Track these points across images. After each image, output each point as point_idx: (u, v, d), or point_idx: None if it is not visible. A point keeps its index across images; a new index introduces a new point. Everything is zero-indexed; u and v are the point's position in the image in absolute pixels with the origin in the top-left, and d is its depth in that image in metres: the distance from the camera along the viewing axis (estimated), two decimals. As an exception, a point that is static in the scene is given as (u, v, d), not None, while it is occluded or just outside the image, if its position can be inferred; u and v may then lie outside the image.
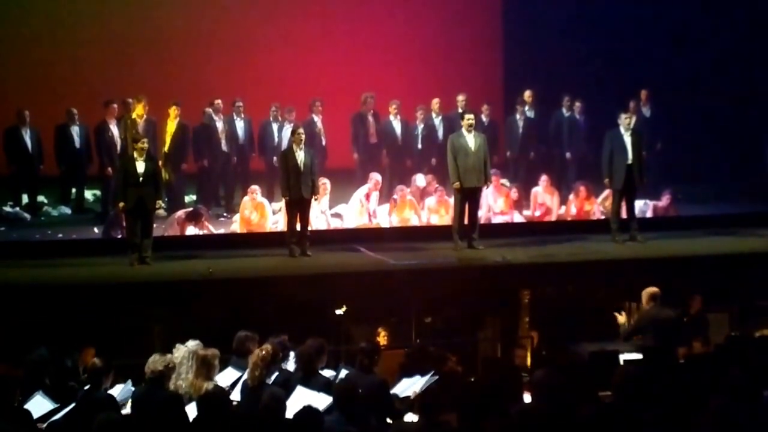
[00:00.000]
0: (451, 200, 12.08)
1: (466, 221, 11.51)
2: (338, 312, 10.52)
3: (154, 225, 11.06)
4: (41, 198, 13.91)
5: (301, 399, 6.65)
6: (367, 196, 13.04)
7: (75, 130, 13.54)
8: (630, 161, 11.69)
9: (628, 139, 11.74)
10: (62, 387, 7.43)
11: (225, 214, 13.61)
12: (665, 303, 9.25)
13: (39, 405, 7.06)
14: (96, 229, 12.62)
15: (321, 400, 6.60)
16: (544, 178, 13.61)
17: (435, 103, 14.43)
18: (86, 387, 7.43)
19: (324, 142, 14.01)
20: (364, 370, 7.04)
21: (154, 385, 6.70)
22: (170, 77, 15.80)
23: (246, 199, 12.61)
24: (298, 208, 11.12)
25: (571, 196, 13.57)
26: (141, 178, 10.60)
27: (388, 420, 6.74)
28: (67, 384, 7.55)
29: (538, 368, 7.26)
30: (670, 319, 9.05)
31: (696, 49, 16.77)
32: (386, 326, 10.91)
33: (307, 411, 5.85)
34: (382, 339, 10.84)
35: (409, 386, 7.43)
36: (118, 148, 13.28)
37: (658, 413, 5.95)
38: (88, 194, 14.25)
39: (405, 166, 14.29)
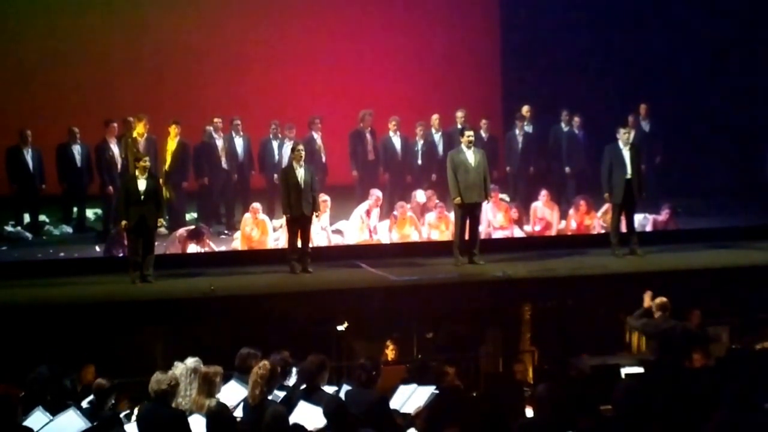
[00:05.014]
0: (452, 216, 12.12)
1: (466, 237, 11.55)
2: (340, 328, 10.54)
3: (156, 243, 11.09)
4: (43, 217, 13.94)
5: (303, 414, 6.67)
6: (368, 213, 13.08)
7: (76, 149, 13.59)
8: (629, 175, 11.74)
9: (626, 154, 11.80)
10: (61, 406, 7.43)
11: (226, 232, 13.64)
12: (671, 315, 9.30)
13: (38, 421, 7.07)
14: (98, 248, 12.65)
15: (323, 416, 6.61)
16: (543, 193, 13.63)
17: (434, 119, 14.48)
18: (88, 405, 7.48)
19: (324, 159, 14.05)
20: (364, 386, 7.05)
21: (159, 403, 6.72)
22: (170, 96, 15.89)
23: (247, 215, 12.64)
24: (299, 225, 11.16)
25: (571, 211, 13.60)
26: (142, 197, 10.65)
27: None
28: (65, 403, 7.55)
29: (539, 383, 7.28)
30: (678, 330, 9.08)
31: (695, 63, 16.85)
32: (393, 340, 10.92)
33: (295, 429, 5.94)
34: (390, 352, 10.86)
35: (406, 395, 7.44)
36: (119, 166, 13.33)
37: (659, 427, 5.97)
38: (90, 213, 14.28)
39: (405, 182, 14.33)
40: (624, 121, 13.21)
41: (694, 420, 6.09)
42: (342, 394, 7.14)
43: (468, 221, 11.50)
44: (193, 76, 16.44)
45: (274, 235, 12.63)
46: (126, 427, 7.00)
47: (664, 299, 9.22)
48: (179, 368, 7.52)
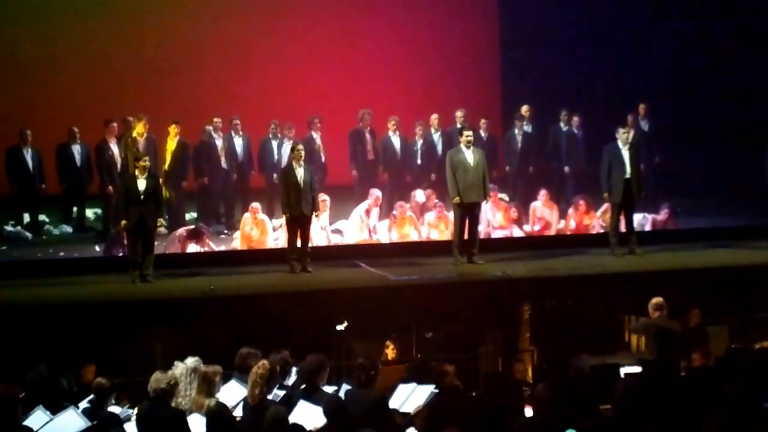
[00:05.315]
0: (451, 215, 12.13)
1: (466, 236, 11.55)
2: (339, 327, 10.55)
3: (156, 243, 11.10)
4: (43, 217, 13.95)
5: (303, 414, 6.68)
6: (367, 212, 13.09)
7: (76, 149, 13.60)
8: (628, 175, 11.75)
9: (626, 154, 11.81)
10: (59, 406, 7.45)
11: (225, 231, 13.65)
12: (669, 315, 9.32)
13: (39, 420, 7.08)
14: (97, 248, 12.66)
15: (322, 415, 6.62)
16: (543, 193, 13.65)
17: (434, 118, 14.49)
18: (88, 404, 7.49)
19: (323, 159, 14.06)
20: (363, 385, 7.07)
21: (158, 402, 6.73)
22: (170, 96, 15.89)
23: (246, 215, 12.65)
24: (299, 224, 11.16)
25: (571, 210, 13.61)
26: (142, 196, 10.65)
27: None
28: (62, 404, 7.56)
29: (539, 382, 7.29)
30: (675, 330, 9.11)
31: (694, 62, 16.86)
32: (393, 340, 10.94)
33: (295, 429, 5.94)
34: (391, 352, 10.86)
35: (406, 394, 7.46)
36: (119, 166, 13.34)
37: (658, 426, 5.98)
38: (89, 213, 14.30)
39: (404, 182, 14.34)
40: (623, 120, 13.23)
41: (693, 420, 6.09)
42: (341, 394, 7.15)
43: (467, 221, 11.50)
44: (193, 76, 16.45)
45: (274, 234, 12.64)
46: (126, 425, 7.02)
47: (659, 299, 9.25)
48: (179, 368, 7.54)
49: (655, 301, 9.27)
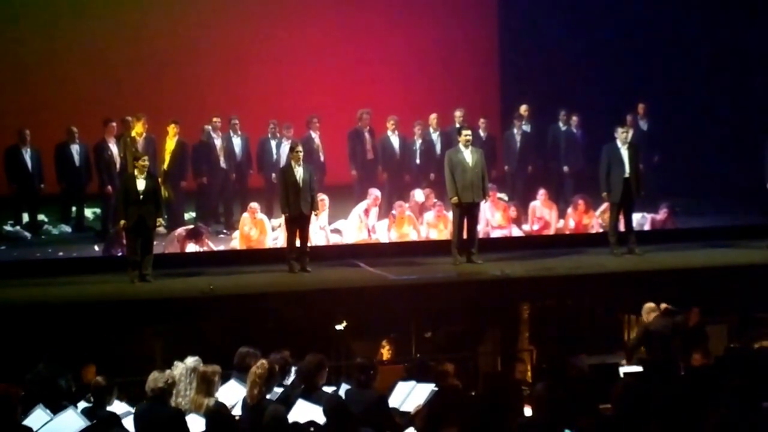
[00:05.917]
0: (450, 215, 12.13)
1: (465, 236, 11.55)
2: (338, 327, 10.55)
3: (155, 242, 11.10)
4: (42, 217, 13.95)
5: (302, 413, 6.67)
6: (366, 212, 13.09)
7: (75, 149, 13.60)
8: (627, 174, 11.76)
9: (625, 153, 11.81)
10: (57, 406, 7.45)
11: (225, 231, 13.65)
12: (667, 314, 9.34)
13: (39, 419, 7.08)
14: (96, 247, 12.66)
15: (322, 415, 6.62)
16: (542, 192, 13.65)
17: (433, 118, 14.50)
18: (87, 405, 7.48)
19: (322, 158, 14.06)
20: (362, 385, 7.07)
21: (156, 402, 6.73)
22: (169, 95, 15.89)
23: (245, 215, 12.65)
24: (298, 224, 11.16)
25: (570, 210, 13.61)
26: (141, 196, 10.65)
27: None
28: (61, 404, 7.56)
29: (538, 382, 7.28)
30: (676, 326, 9.13)
31: (693, 62, 16.87)
32: (390, 340, 10.94)
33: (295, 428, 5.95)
34: (386, 352, 10.86)
35: (405, 392, 7.46)
36: (118, 166, 13.35)
37: (658, 426, 5.98)
38: (89, 212, 14.30)
39: (403, 182, 14.34)
40: (622, 120, 13.22)
41: (692, 419, 6.09)
42: (341, 394, 7.15)
43: (466, 220, 11.50)
44: (192, 75, 16.44)
45: (273, 234, 12.64)
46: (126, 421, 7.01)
47: (651, 303, 9.32)
48: (179, 368, 7.53)
49: (647, 306, 9.35)
